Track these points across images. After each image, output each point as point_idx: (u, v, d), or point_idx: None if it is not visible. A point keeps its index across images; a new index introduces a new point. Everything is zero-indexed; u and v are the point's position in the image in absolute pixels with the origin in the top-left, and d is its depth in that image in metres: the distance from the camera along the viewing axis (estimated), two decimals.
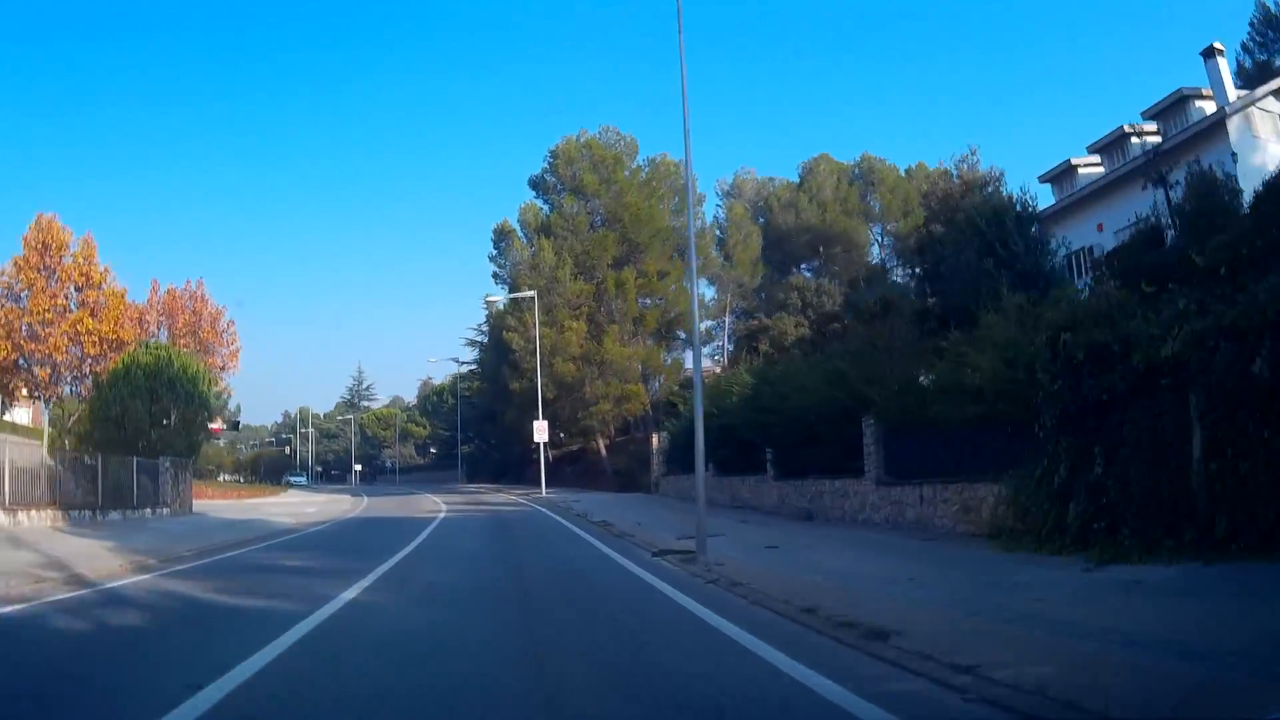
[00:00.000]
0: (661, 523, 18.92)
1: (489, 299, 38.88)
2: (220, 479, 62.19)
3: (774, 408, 19.92)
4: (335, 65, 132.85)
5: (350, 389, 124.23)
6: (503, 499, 35.21)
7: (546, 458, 36.71)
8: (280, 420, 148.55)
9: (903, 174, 53.72)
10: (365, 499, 40.97)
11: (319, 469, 78.25)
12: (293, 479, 62.67)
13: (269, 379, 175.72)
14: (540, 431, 35.52)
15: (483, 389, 55.62)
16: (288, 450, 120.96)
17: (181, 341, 41.82)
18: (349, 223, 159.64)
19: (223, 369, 42.49)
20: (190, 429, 28.99)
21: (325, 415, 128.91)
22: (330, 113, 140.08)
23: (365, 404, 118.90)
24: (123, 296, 35.76)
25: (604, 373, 37.91)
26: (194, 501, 35.49)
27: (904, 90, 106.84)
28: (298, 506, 34.17)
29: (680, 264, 42.61)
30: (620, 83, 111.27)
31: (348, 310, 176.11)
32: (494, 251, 41.80)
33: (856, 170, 54.64)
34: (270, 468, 57.71)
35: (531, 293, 36.76)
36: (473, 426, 63.52)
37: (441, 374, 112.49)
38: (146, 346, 30.34)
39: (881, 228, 54.12)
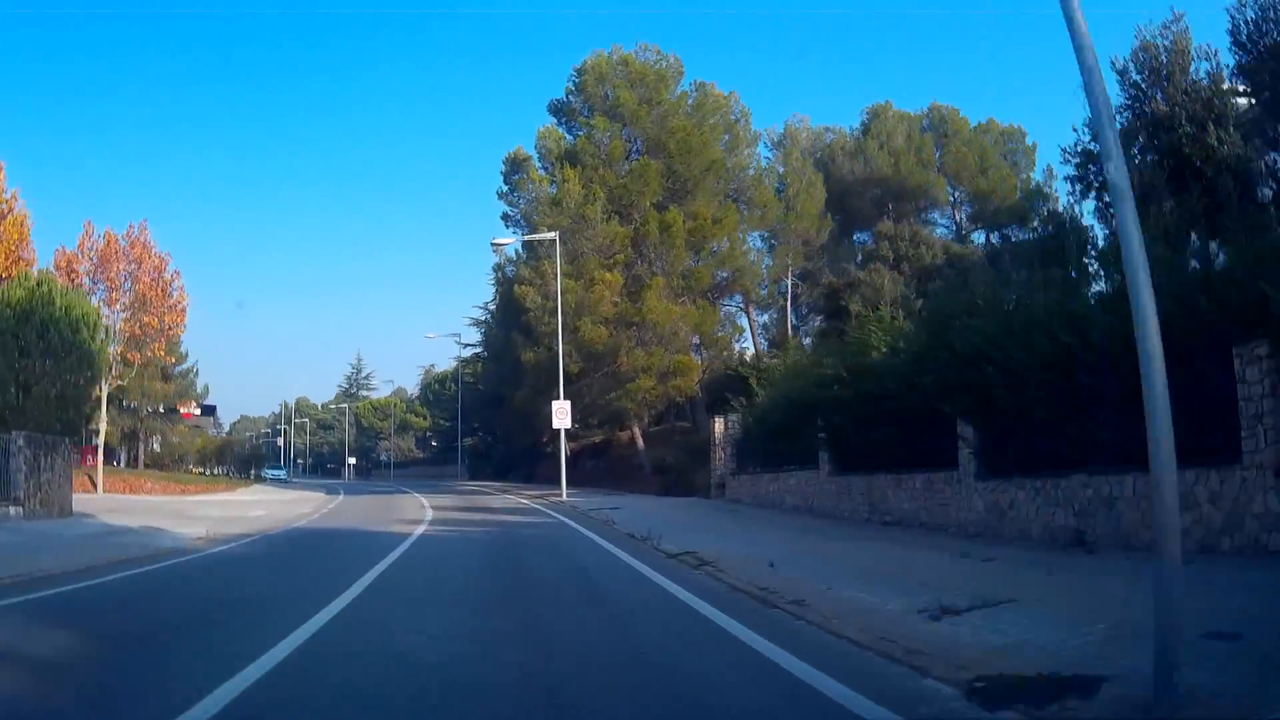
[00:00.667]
0: (808, 561, 10.27)
1: (498, 242, 30.40)
2: (190, 470, 53.78)
3: (990, 354, 11.31)
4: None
5: (348, 378, 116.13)
6: (510, 503, 26.71)
7: (566, 450, 28.07)
8: (279, 411, 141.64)
9: (973, 129, 46.45)
10: (340, 498, 32.58)
11: (300, 462, 69.88)
12: (270, 472, 54.36)
13: (269, 369, 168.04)
14: (561, 415, 26.98)
15: (488, 369, 47.14)
16: (280, 441, 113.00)
17: (113, 297, 33.56)
18: (345, 202, 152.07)
19: (165, 332, 34.11)
20: (70, 393, 20.54)
21: (323, 406, 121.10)
22: (317, 72, 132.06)
23: (364, 394, 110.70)
24: (22, 223, 27.50)
25: (644, 339, 29.32)
26: (106, 497, 27.45)
27: (975, 35, 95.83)
28: (245, 508, 25.83)
29: (736, 212, 33.97)
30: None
31: (348, 298, 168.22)
32: (505, 187, 33.24)
33: (926, 121, 46.69)
34: (244, 459, 49.19)
35: (552, 235, 28.22)
36: (476, 415, 55.02)
37: (444, 359, 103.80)
38: (23, 279, 21.91)
39: (954, 187, 46.14)
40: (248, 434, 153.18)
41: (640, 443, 31.54)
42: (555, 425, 27.16)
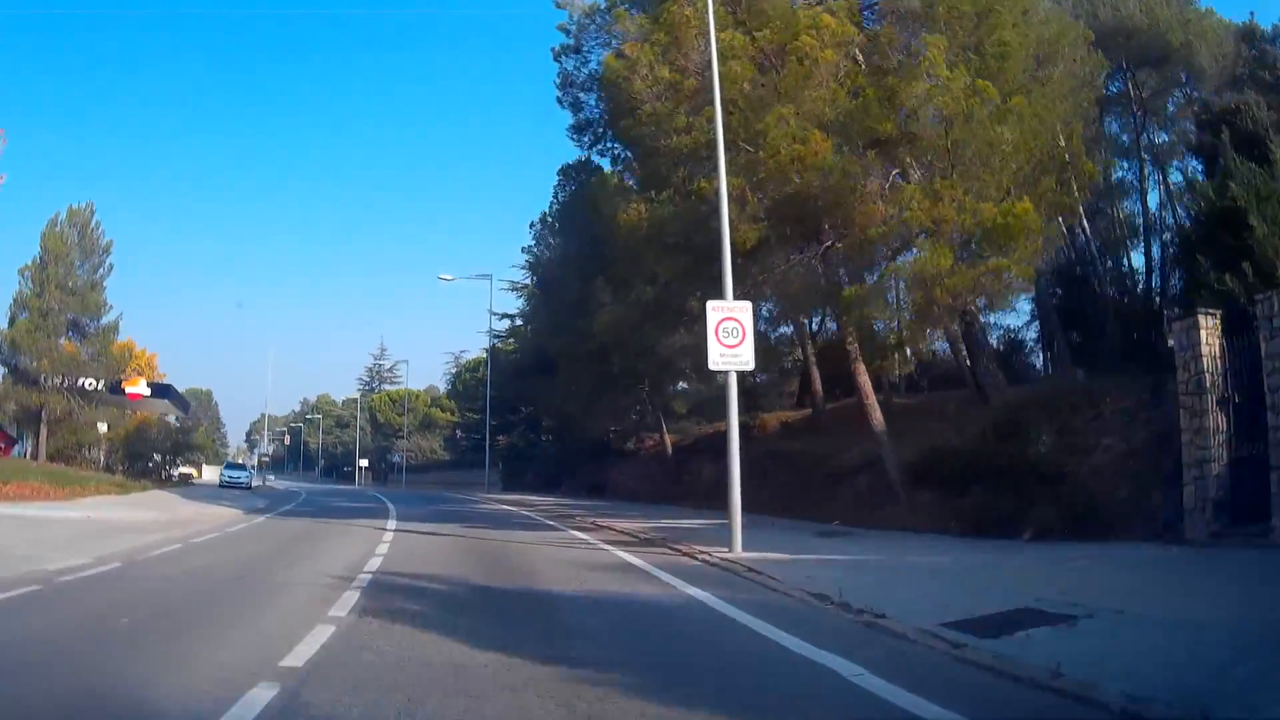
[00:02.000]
0: None
1: None
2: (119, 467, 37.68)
3: None
4: None
5: (370, 369, 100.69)
6: (597, 570, 9.99)
7: (736, 428, 11.09)
8: (299, 408, 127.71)
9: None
10: (239, 527, 16.37)
11: (270, 459, 53.46)
12: (230, 474, 38.48)
13: (290, 364, 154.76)
14: (730, 338, 10.37)
15: (537, 312, 30.74)
16: (272, 435, 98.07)
17: None
18: (372, 191, 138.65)
19: None
20: None
21: (343, 403, 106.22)
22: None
23: (388, 388, 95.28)
24: None
25: (920, 165, 12.47)
26: None
27: None
28: None
29: None
30: None
31: (374, 291, 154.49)
32: None
33: None
34: (166, 452, 33.13)
35: None
36: (515, 398, 38.48)
37: (476, 342, 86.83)
38: None
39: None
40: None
41: (877, 419, 14.03)
42: (716, 364, 10.46)
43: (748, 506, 18.03)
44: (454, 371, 75.96)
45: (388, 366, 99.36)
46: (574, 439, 32.13)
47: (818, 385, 21.27)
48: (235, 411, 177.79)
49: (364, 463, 70.97)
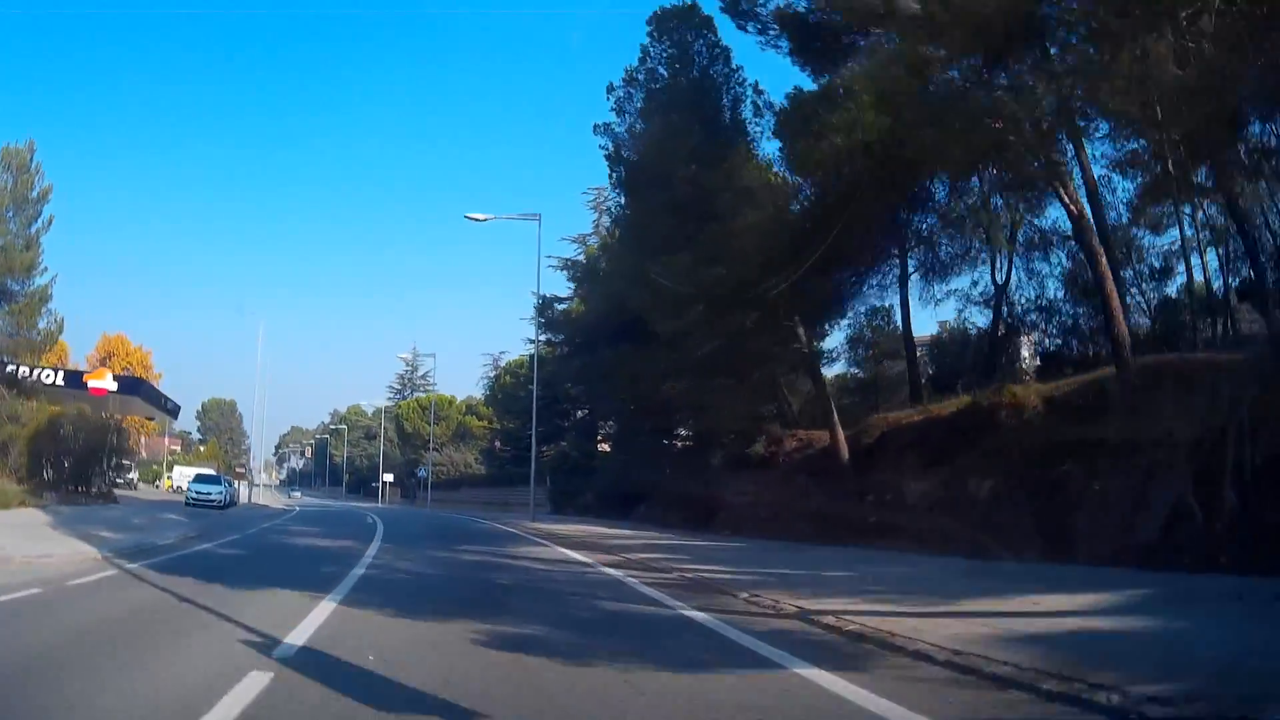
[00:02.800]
0: None
1: None
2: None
3: None
4: None
5: (402, 376, 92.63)
6: None
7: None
8: (328, 419, 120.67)
9: None
10: (45, 591, 7.16)
11: (247, 471, 44.48)
12: (198, 488, 29.81)
13: (318, 375, 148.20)
14: None
15: (613, 237, 21.66)
16: (308, 451, 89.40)
17: None
18: (410, 199, 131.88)
19: None
20: None
21: (373, 413, 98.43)
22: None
23: (419, 395, 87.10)
24: None
25: None
26: None
27: None
28: None
29: None
30: None
31: (410, 300, 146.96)
32: None
33: None
34: (83, 454, 24.23)
35: None
36: (577, 376, 29.33)
37: (517, 342, 76.80)
38: None
39: None
40: (293, 445, 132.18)
41: None
42: None
43: (1000, 541, 8.63)
44: (492, 375, 67.40)
45: (420, 374, 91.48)
46: (657, 443, 22.77)
47: (1122, 325, 11.69)
48: (265, 425, 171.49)
49: (389, 477, 62.56)
